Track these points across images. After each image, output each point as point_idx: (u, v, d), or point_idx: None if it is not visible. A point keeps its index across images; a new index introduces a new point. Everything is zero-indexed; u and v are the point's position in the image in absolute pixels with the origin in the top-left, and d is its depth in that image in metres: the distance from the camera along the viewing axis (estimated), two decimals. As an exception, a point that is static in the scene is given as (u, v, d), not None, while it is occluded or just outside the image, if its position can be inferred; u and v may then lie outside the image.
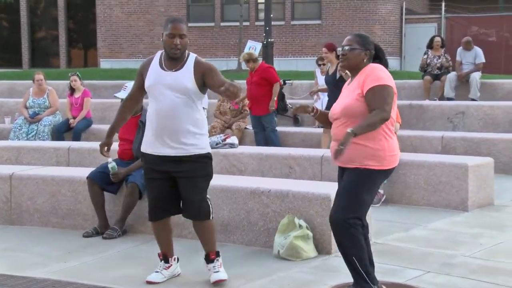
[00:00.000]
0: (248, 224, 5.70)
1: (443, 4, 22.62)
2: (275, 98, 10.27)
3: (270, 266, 5.10)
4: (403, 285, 4.59)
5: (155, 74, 4.60)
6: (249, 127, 10.76)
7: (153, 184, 4.73)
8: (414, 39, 22.45)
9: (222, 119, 10.86)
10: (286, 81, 12.74)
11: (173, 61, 4.58)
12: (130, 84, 6.43)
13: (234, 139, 8.29)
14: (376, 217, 5.87)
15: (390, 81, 4.08)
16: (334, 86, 8.50)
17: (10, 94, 14.44)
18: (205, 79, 4.56)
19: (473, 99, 11.63)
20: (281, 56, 22.43)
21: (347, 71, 4.50)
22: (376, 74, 4.06)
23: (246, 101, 10.87)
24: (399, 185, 7.23)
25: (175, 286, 4.73)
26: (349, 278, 4.76)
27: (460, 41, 12.94)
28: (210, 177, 4.72)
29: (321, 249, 5.34)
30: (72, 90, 11.21)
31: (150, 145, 4.67)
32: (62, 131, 10.92)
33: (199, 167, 4.61)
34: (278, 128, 11.00)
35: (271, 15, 16.73)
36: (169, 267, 4.87)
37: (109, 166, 6.15)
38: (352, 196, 4.03)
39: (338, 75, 8.72)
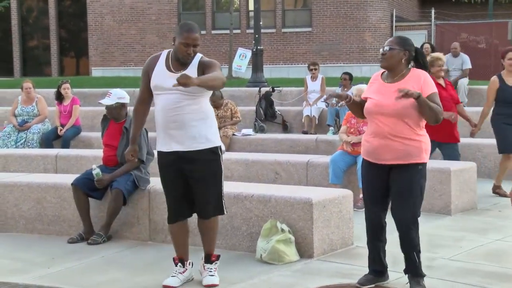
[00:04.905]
0: (232, 229, 5.74)
1: (433, 11, 22.75)
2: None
3: (252, 270, 5.14)
4: (383, 287, 4.64)
5: (161, 75, 4.64)
6: (237, 133, 10.76)
7: (168, 184, 4.77)
8: (404, 46, 22.53)
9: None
10: (275, 88, 12.92)
11: (181, 62, 4.63)
12: (114, 91, 6.48)
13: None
14: (359, 221, 5.91)
15: None
16: None
17: (0, 103, 14.46)
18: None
19: (460, 105, 11.69)
20: (273, 63, 22.51)
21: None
22: (430, 81, 4.42)
23: (231, 106, 10.82)
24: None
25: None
26: (329, 281, 4.83)
27: (450, 48, 13.03)
28: (220, 173, 4.74)
29: (303, 253, 5.39)
30: (59, 98, 11.21)
31: (160, 143, 4.72)
32: (51, 139, 10.93)
33: (209, 163, 4.65)
34: (266, 135, 11.06)
35: (261, 23, 16.84)
36: (184, 271, 4.87)
37: (94, 172, 6.18)
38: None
39: None
